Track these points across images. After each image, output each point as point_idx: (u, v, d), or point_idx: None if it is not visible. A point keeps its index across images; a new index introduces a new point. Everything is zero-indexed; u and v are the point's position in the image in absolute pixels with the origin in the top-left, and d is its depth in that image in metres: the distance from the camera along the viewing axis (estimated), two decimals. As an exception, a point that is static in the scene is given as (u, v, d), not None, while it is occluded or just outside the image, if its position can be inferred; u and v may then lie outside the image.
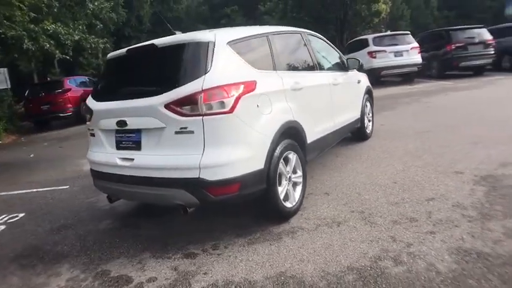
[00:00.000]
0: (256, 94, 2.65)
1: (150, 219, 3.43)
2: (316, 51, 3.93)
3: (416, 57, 11.45)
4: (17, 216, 4.02)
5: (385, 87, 11.39)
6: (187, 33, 2.83)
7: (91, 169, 3.16)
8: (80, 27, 11.03)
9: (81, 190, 4.68)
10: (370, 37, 12.40)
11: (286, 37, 3.56)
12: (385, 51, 11.37)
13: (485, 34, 11.27)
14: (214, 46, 2.58)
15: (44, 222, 3.73)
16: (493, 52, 11.10)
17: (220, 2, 37.50)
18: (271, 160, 2.71)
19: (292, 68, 3.46)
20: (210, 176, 2.42)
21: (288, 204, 2.97)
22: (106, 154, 2.90)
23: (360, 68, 5.10)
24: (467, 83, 10.49)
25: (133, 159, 2.67)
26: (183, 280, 2.36)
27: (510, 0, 33.05)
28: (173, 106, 2.44)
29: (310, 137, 3.36)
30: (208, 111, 2.40)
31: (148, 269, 2.55)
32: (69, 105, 11.19)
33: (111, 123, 2.79)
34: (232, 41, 2.73)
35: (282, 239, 2.75)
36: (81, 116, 11.43)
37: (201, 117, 2.40)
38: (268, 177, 2.69)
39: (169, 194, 2.54)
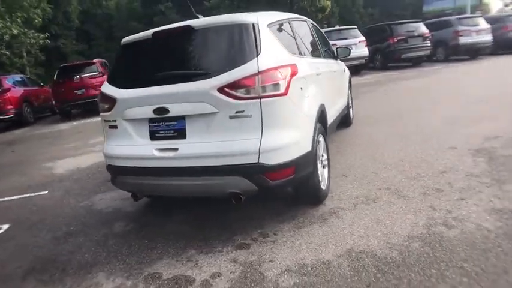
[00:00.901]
0: (299, 77, 2.64)
1: (170, 217, 3.21)
2: (318, 39, 4.03)
3: (363, 50, 12.14)
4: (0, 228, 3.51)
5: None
6: (222, 15, 2.68)
7: (110, 165, 2.84)
8: (18, 19, 9.74)
9: (66, 195, 4.21)
10: None
11: (299, 24, 3.59)
12: (335, 45, 11.87)
13: (422, 28, 12.51)
14: (258, 28, 2.51)
15: (41, 232, 3.29)
16: (429, 44, 12.35)
17: (153, -2, 36.05)
18: (315, 142, 2.73)
19: (310, 53, 3.50)
20: (268, 160, 2.35)
21: (322, 187, 3.01)
22: (136, 146, 2.64)
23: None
24: (411, 72, 11.54)
25: (177, 149, 2.47)
26: (251, 271, 2.27)
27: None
28: (227, 89, 2.32)
29: (328, 121, 3.45)
30: (265, 94, 2.33)
31: (204, 266, 2.40)
32: (10, 107, 9.90)
33: (145, 112, 2.55)
34: (271, 23, 2.67)
35: (328, 219, 2.78)
36: (25, 117, 10.32)
37: (258, 100, 2.32)
38: (314, 159, 2.70)
39: (224, 182, 2.41)
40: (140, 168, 2.61)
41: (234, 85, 2.32)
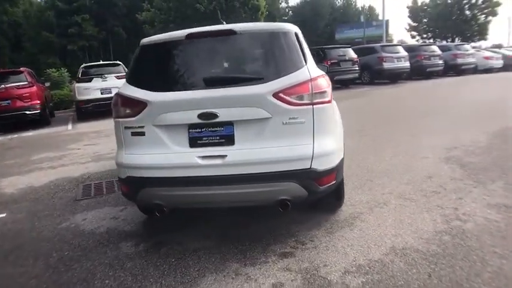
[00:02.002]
0: (329, 85, 2.77)
1: (183, 233, 2.99)
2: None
3: None
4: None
5: None
6: (259, 23, 2.69)
7: (131, 177, 2.54)
8: None
9: (33, 217, 3.63)
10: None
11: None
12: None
13: (351, 53, 13.84)
14: (300, 37, 2.59)
15: (26, 260, 2.78)
16: (357, 68, 13.71)
17: (68, 9, 33.48)
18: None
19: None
20: (319, 165, 2.39)
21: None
22: (171, 155, 2.43)
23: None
24: (345, 94, 12.59)
25: (225, 156, 2.36)
26: (312, 276, 2.24)
27: (338, 27, 41.13)
28: (282, 95, 2.32)
29: None
30: (316, 101, 2.38)
31: (258, 278, 2.28)
32: None
33: (186, 117, 2.38)
34: (297, 33, 2.75)
35: (354, 223, 2.90)
36: None
37: (311, 106, 2.37)
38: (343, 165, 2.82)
39: (277, 189, 2.36)
40: (179, 178, 2.42)
41: (289, 91, 2.33)
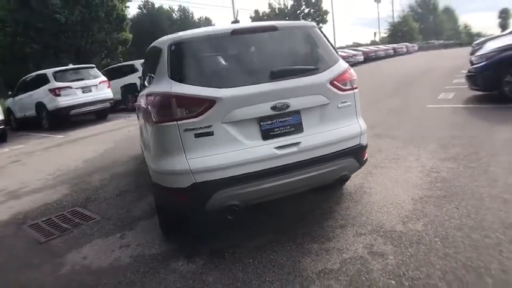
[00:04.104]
0: None
1: (221, 236, 2.88)
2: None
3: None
4: None
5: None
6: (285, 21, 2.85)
7: (200, 183, 2.33)
8: None
9: (18, 262, 2.78)
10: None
11: None
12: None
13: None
14: (322, 31, 2.92)
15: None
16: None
17: None
18: None
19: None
20: (363, 140, 2.79)
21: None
22: (245, 150, 2.37)
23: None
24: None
25: (299, 143, 2.47)
26: (385, 233, 2.61)
27: None
28: (336, 82, 2.61)
29: None
30: (354, 86, 2.77)
31: (345, 247, 2.51)
32: None
33: (259, 110, 2.38)
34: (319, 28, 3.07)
35: (363, 197, 3.42)
36: None
37: (353, 91, 2.74)
38: None
39: (341, 166, 2.63)
40: (256, 172, 2.38)
41: (339, 79, 2.65)
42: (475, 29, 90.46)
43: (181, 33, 2.64)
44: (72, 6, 15.24)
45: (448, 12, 74.93)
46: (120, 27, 17.48)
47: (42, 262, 2.90)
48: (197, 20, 56.57)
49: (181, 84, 2.38)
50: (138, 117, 5.55)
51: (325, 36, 2.90)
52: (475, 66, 6.35)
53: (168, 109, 2.35)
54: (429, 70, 15.04)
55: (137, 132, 7.95)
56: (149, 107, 2.53)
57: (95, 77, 10.80)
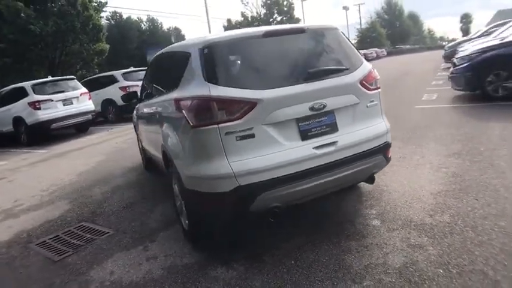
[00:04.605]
0: None
1: (251, 240, 2.86)
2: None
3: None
4: None
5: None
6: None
7: (245, 186, 2.29)
8: None
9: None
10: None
11: None
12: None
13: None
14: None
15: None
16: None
17: None
18: None
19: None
20: (389, 138, 2.88)
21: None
22: (286, 151, 2.38)
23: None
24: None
25: (336, 142, 2.51)
26: (417, 227, 2.70)
27: (148, 50, 41.29)
28: (364, 82, 2.68)
29: None
30: (378, 85, 2.86)
31: (384, 241, 2.56)
32: None
33: (298, 111, 2.41)
34: None
35: (382, 195, 3.51)
36: None
37: (377, 90, 2.83)
38: None
39: (372, 164, 2.69)
40: (297, 173, 2.39)
41: (367, 79, 2.72)
42: (438, 34, 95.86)
43: (207, 37, 2.64)
44: (46, 17, 14.64)
45: (413, 17, 78.37)
46: (97, 37, 16.99)
47: (64, 281, 2.74)
48: (166, 30, 56.00)
49: (220, 87, 2.36)
50: (136, 127, 5.43)
51: (348, 38, 2.98)
52: (457, 67, 6.71)
53: (208, 113, 2.32)
54: (405, 73, 15.70)
55: (125, 145, 7.95)
56: (184, 111, 2.48)
57: (75, 88, 10.42)
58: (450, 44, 14.74)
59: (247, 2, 45.02)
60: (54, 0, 15.92)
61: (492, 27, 12.46)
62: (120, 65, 26.80)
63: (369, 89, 2.74)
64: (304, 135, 2.48)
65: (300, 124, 2.47)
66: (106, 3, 18.54)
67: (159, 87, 3.52)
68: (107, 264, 2.89)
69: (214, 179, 2.36)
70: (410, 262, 2.31)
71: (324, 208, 3.28)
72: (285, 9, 42.28)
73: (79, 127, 10.78)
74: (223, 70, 2.49)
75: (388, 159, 2.89)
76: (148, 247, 3.08)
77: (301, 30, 2.72)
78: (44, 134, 9.82)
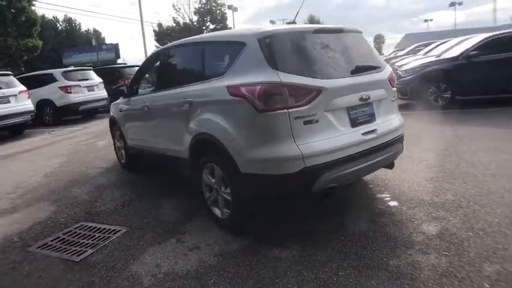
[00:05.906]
0: None
1: (287, 229, 3.03)
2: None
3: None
4: None
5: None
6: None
7: (309, 167, 2.46)
8: None
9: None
10: None
11: None
12: None
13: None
14: (361, 35, 3.39)
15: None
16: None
17: None
18: None
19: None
20: (404, 131, 3.33)
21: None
22: (341, 136, 2.62)
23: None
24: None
25: (375, 130, 2.83)
26: (435, 219, 3.16)
27: (65, 51, 38.14)
28: (390, 80, 3.11)
29: None
30: (395, 85, 3.31)
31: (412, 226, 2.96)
32: None
33: (350, 100, 2.70)
34: None
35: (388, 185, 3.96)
36: None
37: (395, 88, 3.27)
38: None
39: (396, 150, 3.11)
40: (350, 156, 2.65)
41: (391, 77, 3.16)
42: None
43: (261, 28, 2.79)
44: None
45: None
46: (29, 32, 15.00)
47: (105, 278, 2.55)
48: (85, 32, 52.17)
49: (288, 74, 2.51)
50: (117, 125, 5.07)
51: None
52: (403, 79, 7.75)
53: (279, 98, 2.45)
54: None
55: (84, 147, 7.26)
56: (248, 96, 2.55)
57: (11, 86, 9.16)
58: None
59: (179, 8, 44.04)
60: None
61: (417, 47, 14.90)
62: (36, 67, 24.01)
63: (392, 86, 3.16)
64: (354, 122, 2.77)
65: (350, 112, 2.76)
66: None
67: (184, 78, 3.48)
68: (145, 259, 2.75)
69: (282, 161, 2.49)
70: (443, 229, 2.73)
71: (338, 197, 3.51)
72: (218, 17, 42.65)
73: (14, 129, 9.47)
74: (287, 59, 2.64)
75: (402, 148, 3.33)
76: (181, 239, 3.02)
77: (340, 30, 3.04)
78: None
